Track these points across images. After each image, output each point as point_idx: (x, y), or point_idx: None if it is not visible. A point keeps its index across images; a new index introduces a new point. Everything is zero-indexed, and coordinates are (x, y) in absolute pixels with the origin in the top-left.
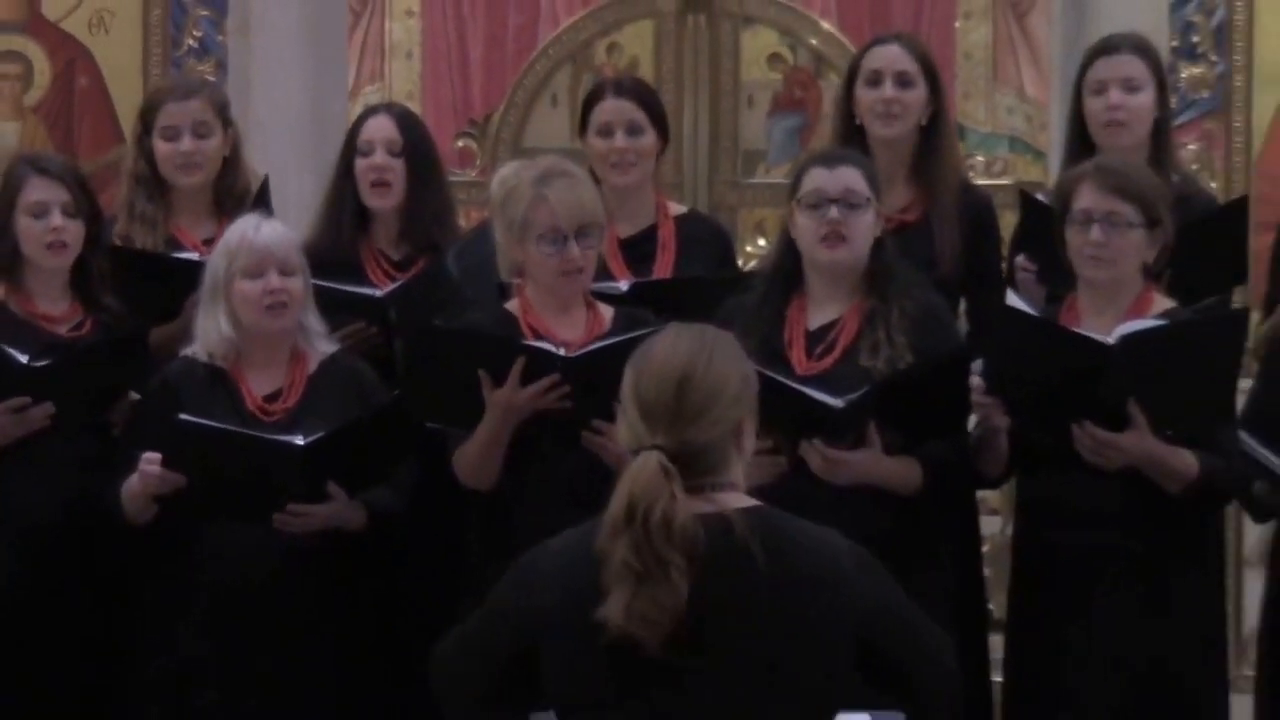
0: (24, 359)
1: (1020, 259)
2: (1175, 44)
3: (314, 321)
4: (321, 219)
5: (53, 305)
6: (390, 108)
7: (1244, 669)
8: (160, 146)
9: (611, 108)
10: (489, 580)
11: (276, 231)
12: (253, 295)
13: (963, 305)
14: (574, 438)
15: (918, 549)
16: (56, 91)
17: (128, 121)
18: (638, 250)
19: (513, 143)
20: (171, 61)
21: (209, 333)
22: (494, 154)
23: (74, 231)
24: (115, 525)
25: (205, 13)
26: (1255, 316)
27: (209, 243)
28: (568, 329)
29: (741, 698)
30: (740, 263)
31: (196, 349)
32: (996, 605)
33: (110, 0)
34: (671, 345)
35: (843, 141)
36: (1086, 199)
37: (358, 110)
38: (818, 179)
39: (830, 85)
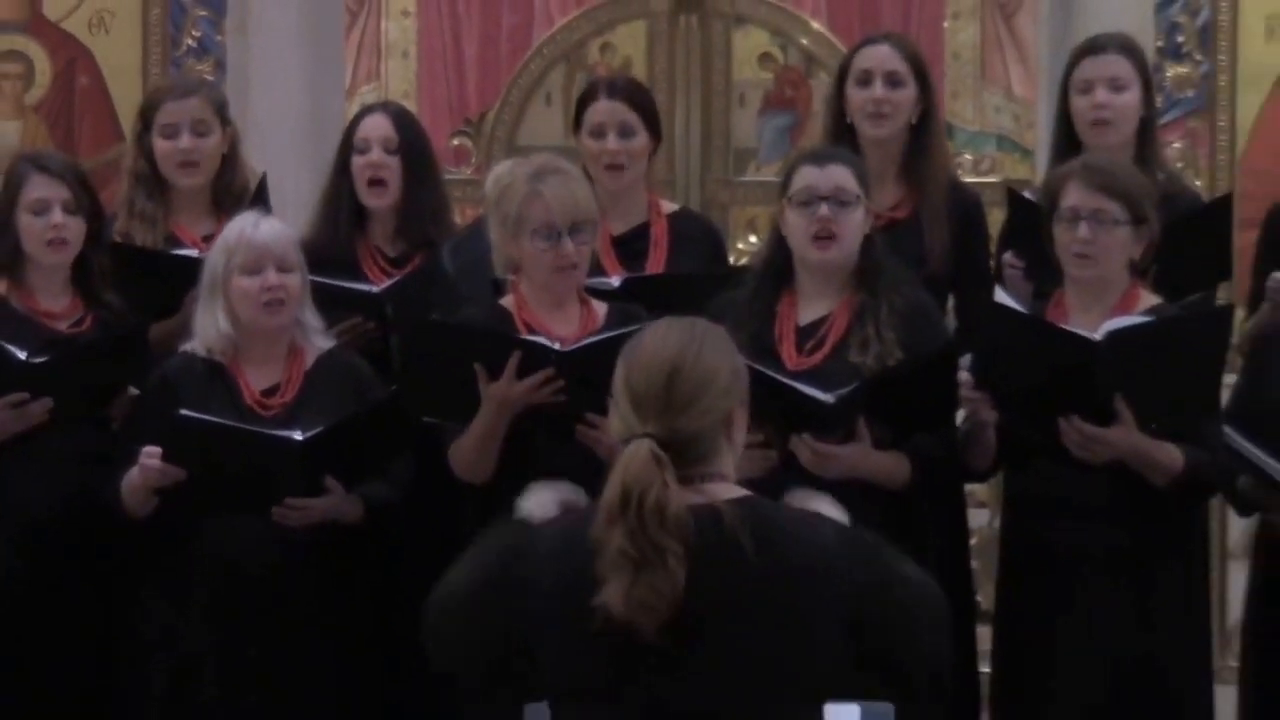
0: (22, 355)
1: (1008, 256)
2: (1160, 44)
3: (311, 317)
4: (319, 216)
5: (54, 301)
6: (386, 106)
7: (1228, 660)
8: (159, 144)
9: (604, 109)
10: None
11: (274, 229)
12: (251, 292)
13: (951, 302)
14: (568, 431)
15: (906, 541)
16: (57, 90)
17: (128, 120)
18: (630, 247)
19: (507, 141)
20: (171, 61)
21: (207, 328)
22: (489, 152)
23: (74, 229)
24: (115, 519)
25: (204, 13)
26: (1240, 313)
27: (208, 240)
28: (562, 325)
29: (733, 687)
30: (731, 260)
31: (195, 344)
32: (984, 597)
33: (110, 0)
34: (662, 337)
35: (834, 140)
36: (1074, 197)
37: (354, 109)
38: (808, 177)
39: (820, 84)
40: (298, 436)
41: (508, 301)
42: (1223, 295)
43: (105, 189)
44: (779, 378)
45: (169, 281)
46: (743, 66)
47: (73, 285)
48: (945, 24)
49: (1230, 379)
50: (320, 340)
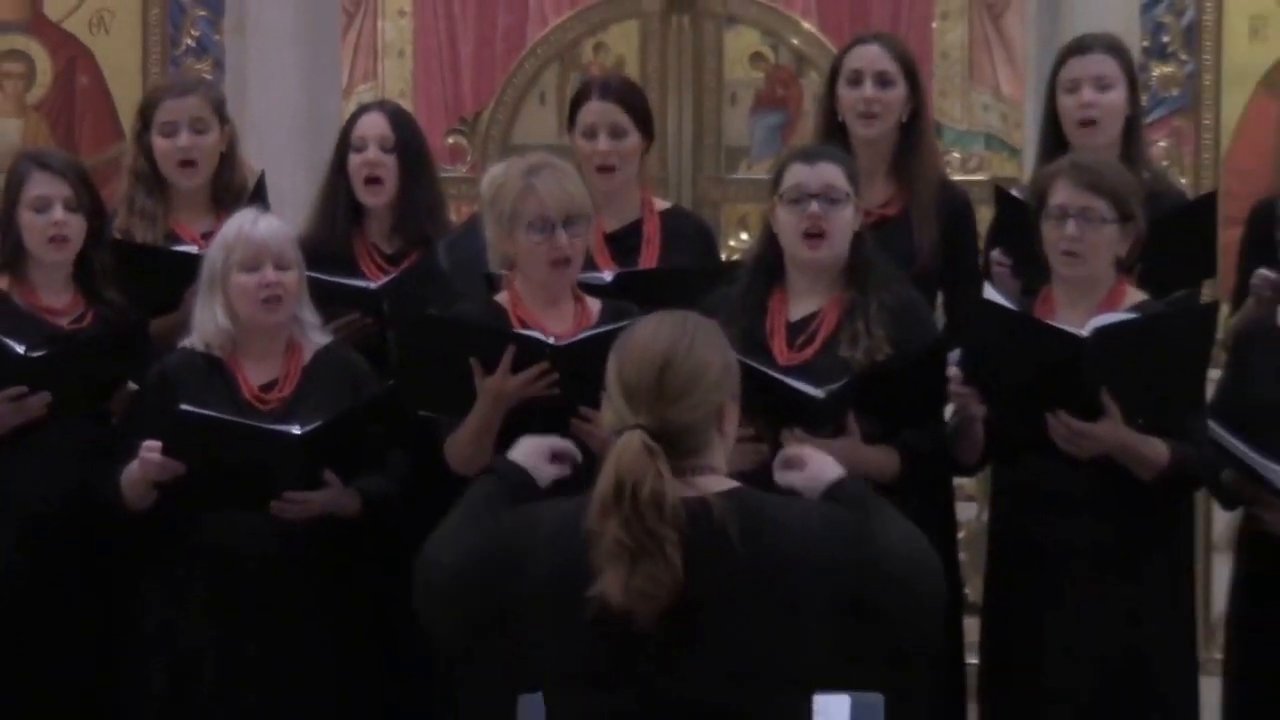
0: (21, 349)
1: (995, 253)
2: (1146, 44)
3: (309, 313)
4: (316, 213)
5: (55, 298)
6: (383, 105)
7: (1213, 652)
8: (159, 142)
9: (596, 110)
10: None
11: (273, 226)
12: (249, 288)
13: (940, 298)
14: (562, 425)
15: None
16: (58, 89)
17: (127, 119)
18: (623, 244)
19: (502, 139)
20: (170, 60)
21: (206, 324)
22: (484, 150)
23: (75, 226)
24: (114, 513)
25: (203, 13)
26: (1225, 309)
27: (207, 237)
28: (556, 321)
29: (726, 676)
30: (723, 257)
31: (194, 339)
32: (972, 589)
33: (110, 1)
34: (654, 330)
35: (825, 139)
36: (1062, 194)
37: (351, 108)
38: (798, 175)
39: (811, 83)
40: (296, 431)
41: (503, 298)
42: (1207, 292)
43: (106, 187)
44: (770, 373)
45: (169, 278)
46: (734, 66)
47: (74, 282)
48: (934, 24)
49: (1215, 374)
50: (318, 336)
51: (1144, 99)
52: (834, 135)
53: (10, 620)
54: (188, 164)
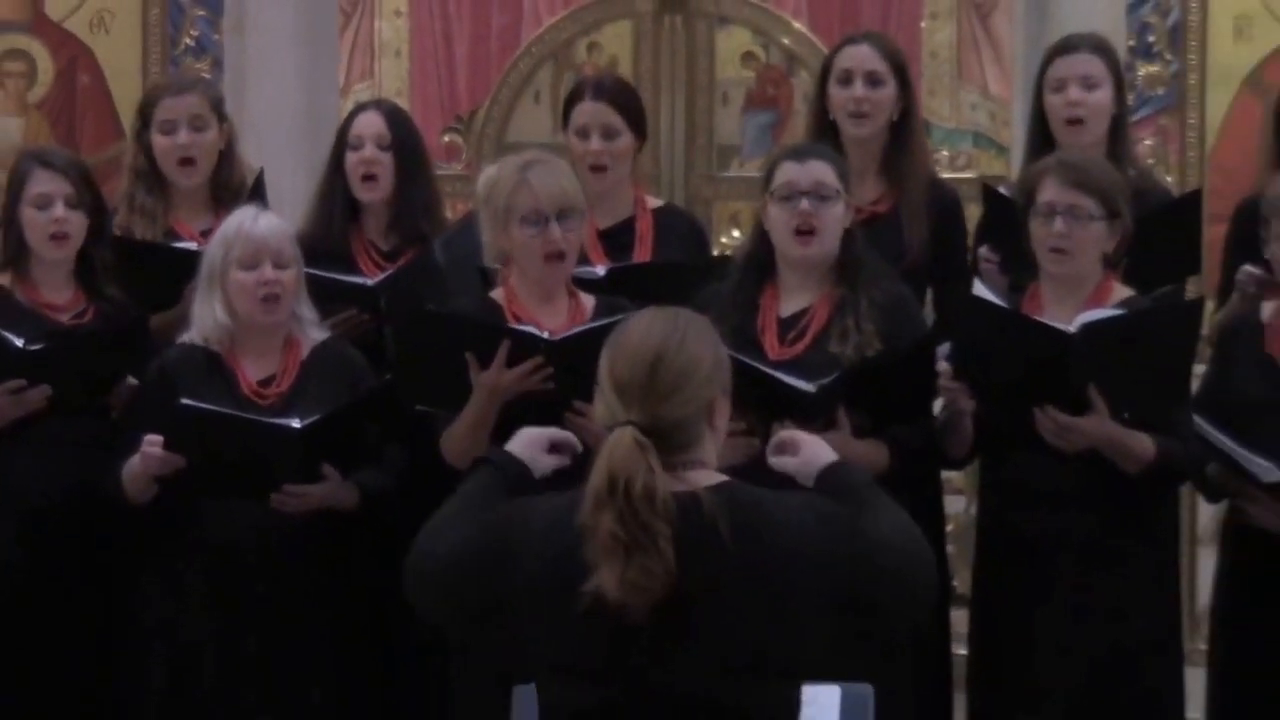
0: (20, 342)
1: (983, 250)
2: (1132, 44)
3: (307, 310)
4: (314, 211)
5: (57, 294)
6: (379, 104)
7: (1198, 643)
8: (158, 140)
9: (588, 110)
10: None
11: (272, 224)
12: (248, 286)
13: (930, 295)
14: (557, 419)
15: None
16: (59, 88)
17: (128, 117)
18: (616, 241)
19: (497, 138)
20: (169, 60)
21: (205, 319)
22: (479, 148)
23: (76, 223)
24: (114, 507)
25: (202, 13)
26: (1210, 305)
27: (206, 234)
28: (550, 317)
29: (717, 669)
30: (715, 254)
31: (193, 334)
32: (961, 582)
33: (110, 1)
34: (646, 326)
35: (816, 137)
36: (1049, 192)
37: (348, 107)
38: (789, 172)
39: (802, 83)
40: (296, 424)
41: (498, 294)
42: (1192, 288)
43: (106, 185)
44: (761, 367)
45: (169, 274)
46: (726, 65)
47: (75, 279)
48: (923, 24)
49: (1201, 369)
50: (315, 332)
51: (1130, 98)
52: (825, 134)
53: (10, 615)
54: (187, 161)
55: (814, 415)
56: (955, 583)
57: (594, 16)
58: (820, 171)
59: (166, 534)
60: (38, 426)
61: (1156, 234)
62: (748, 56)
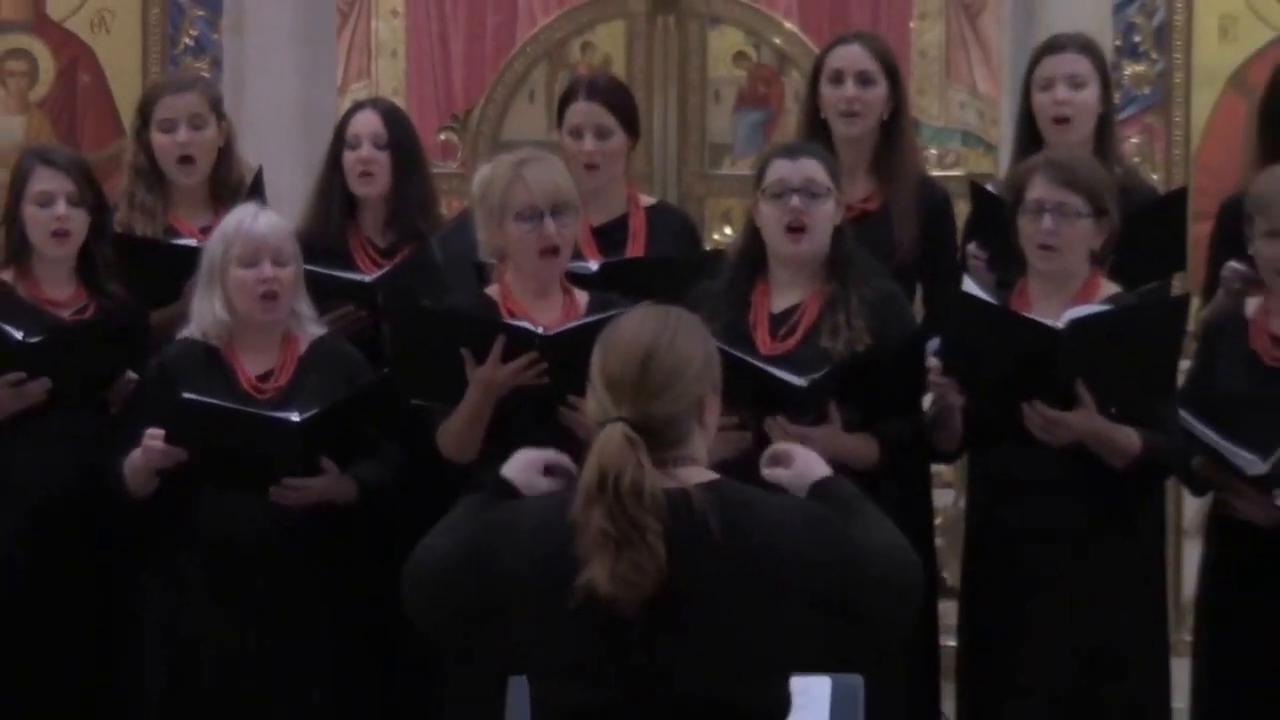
0: (19, 335)
1: (971, 247)
2: (1118, 43)
3: (305, 306)
4: (311, 208)
5: (58, 291)
6: (376, 103)
7: (1183, 634)
8: (158, 138)
9: (582, 110)
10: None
11: (272, 222)
12: (247, 283)
13: (919, 291)
14: (551, 413)
15: None
16: (60, 87)
17: (128, 116)
18: (610, 238)
19: (492, 136)
20: (169, 59)
21: (204, 315)
22: (474, 146)
23: (78, 220)
24: (116, 501)
25: (201, 13)
26: (1195, 302)
27: (206, 231)
28: (545, 313)
29: (705, 663)
30: (707, 248)
31: (192, 329)
32: (950, 574)
33: (111, 1)
34: (638, 324)
35: (808, 136)
36: (1038, 190)
37: (346, 105)
38: (780, 170)
39: (792, 82)
40: (295, 418)
41: (493, 290)
42: (1177, 285)
43: (106, 182)
44: (753, 362)
45: (170, 270)
46: (718, 64)
47: (77, 275)
48: (912, 24)
49: (1187, 365)
50: (313, 327)
51: (1116, 97)
52: (816, 133)
53: (10, 609)
54: (186, 159)
55: (805, 410)
56: (945, 574)
57: (588, 16)
58: (811, 169)
59: (167, 529)
60: (37, 421)
61: (1142, 231)
62: (739, 56)
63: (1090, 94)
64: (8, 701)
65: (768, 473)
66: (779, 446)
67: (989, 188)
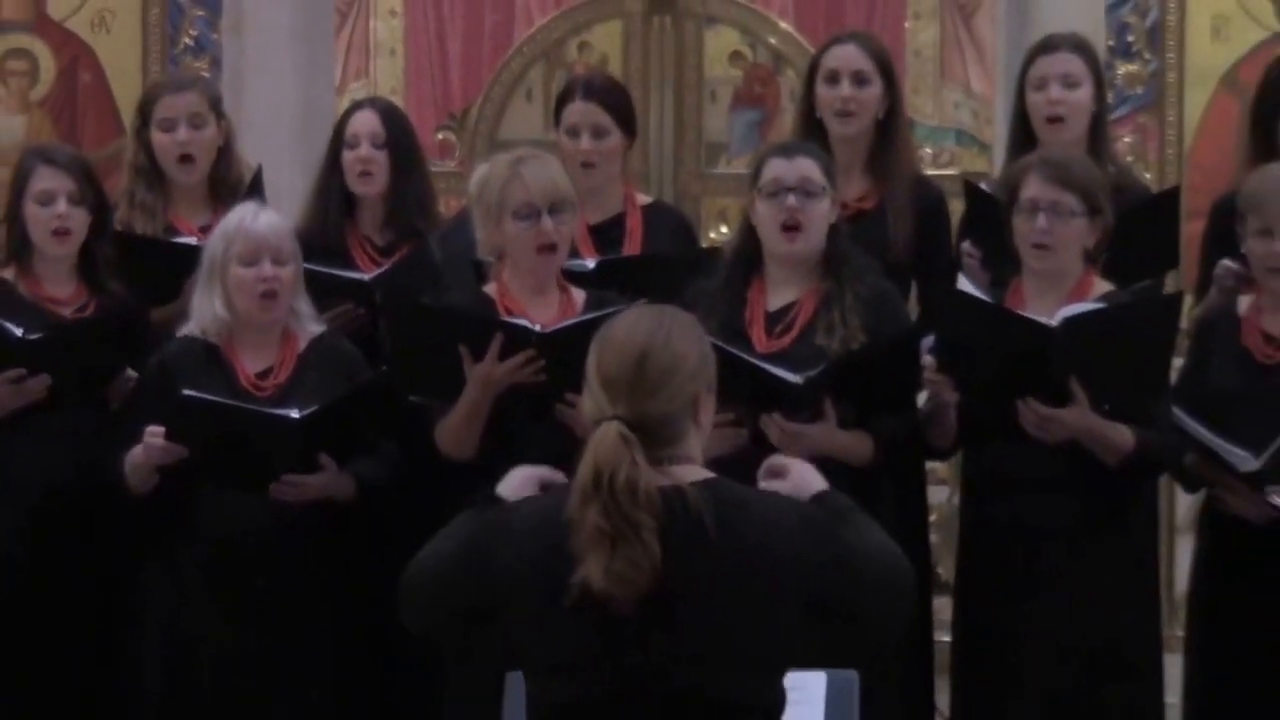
0: (19, 331)
1: (965, 245)
2: (1111, 43)
3: (304, 304)
4: (310, 207)
5: (59, 289)
6: (375, 102)
7: (1175, 629)
8: (158, 137)
9: (579, 110)
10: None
11: (272, 221)
12: (247, 281)
13: (915, 290)
14: (548, 410)
15: (864, 504)
16: (61, 87)
17: (128, 115)
18: (606, 236)
19: (489, 135)
20: (169, 59)
21: (204, 312)
22: (472, 145)
23: (79, 219)
24: (115, 499)
25: (201, 13)
26: (1188, 300)
27: (205, 230)
28: (542, 310)
29: (699, 659)
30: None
31: (192, 327)
32: (945, 570)
33: (111, 1)
34: (633, 323)
35: (804, 135)
36: (1033, 189)
37: (344, 105)
38: (776, 169)
39: (788, 81)
40: (295, 414)
41: (490, 288)
42: (1170, 283)
43: (107, 181)
44: (750, 359)
45: (170, 269)
46: (714, 64)
47: (78, 273)
48: (906, 24)
49: (1180, 362)
50: (312, 325)
51: (1109, 96)
52: (812, 132)
53: (10, 606)
54: (186, 158)
55: (801, 407)
56: (940, 570)
57: (585, 16)
58: (807, 168)
59: (166, 527)
60: (38, 418)
61: (1135, 230)
62: (735, 55)
63: (1084, 93)
64: (7, 700)
65: (765, 485)
66: (776, 459)
67: (983, 186)
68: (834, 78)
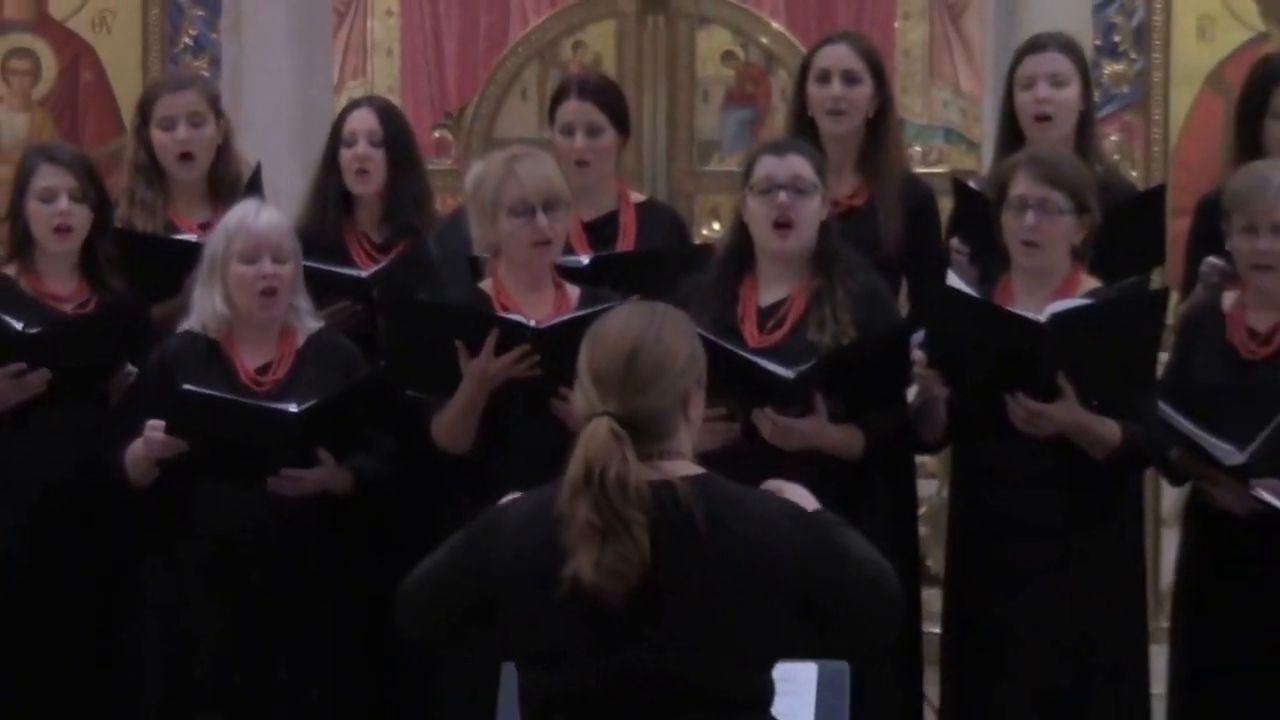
0: (19, 326)
1: (954, 242)
2: (1098, 43)
3: (303, 301)
4: (308, 205)
5: (61, 285)
6: (372, 101)
7: (1161, 621)
8: (158, 136)
9: (573, 109)
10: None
11: (273, 219)
12: (247, 279)
13: (905, 286)
14: (543, 404)
15: (858, 509)
16: (62, 85)
17: (128, 113)
18: (600, 233)
19: (485, 134)
20: (169, 58)
21: (204, 308)
22: (468, 143)
23: (80, 216)
24: (116, 491)
25: (200, 13)
26: (1174, 296)
27: (205, 227)
28: (537, 306)
29: (688, 652)
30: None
31: (192, 322)
32: (934, 561)
33: (112, 1)
34: (624, 320)
35: (796, 134)
36: (1021, 186)
37: (342, 104)
38: (768, 166)
39: (779, 80)
40: (293, 409)
41: (486, 285)
42: (1156, 280)
43: (107, 178)
44: (742, 354)
45: (170, 265)
46: (706, 64)
47: (79, 270)
48: (896, 24)
49: (1166, 358)
50: (310, 321)
51: (1096, 95)
52: (804, 130)
53: (10, 601)
54: (186, 156)
55: (792, 401)
56: (930, 562)
57: (579, 16)
58: (798, 166)
59: (166, 523)
60: (38, 414)
61: (1122, 227)
62: (727, 55)
63: (1071, 92)
64: (7, 695)
65: None
66: (771, 484)
67: (972, 184)
68: (825, 77)
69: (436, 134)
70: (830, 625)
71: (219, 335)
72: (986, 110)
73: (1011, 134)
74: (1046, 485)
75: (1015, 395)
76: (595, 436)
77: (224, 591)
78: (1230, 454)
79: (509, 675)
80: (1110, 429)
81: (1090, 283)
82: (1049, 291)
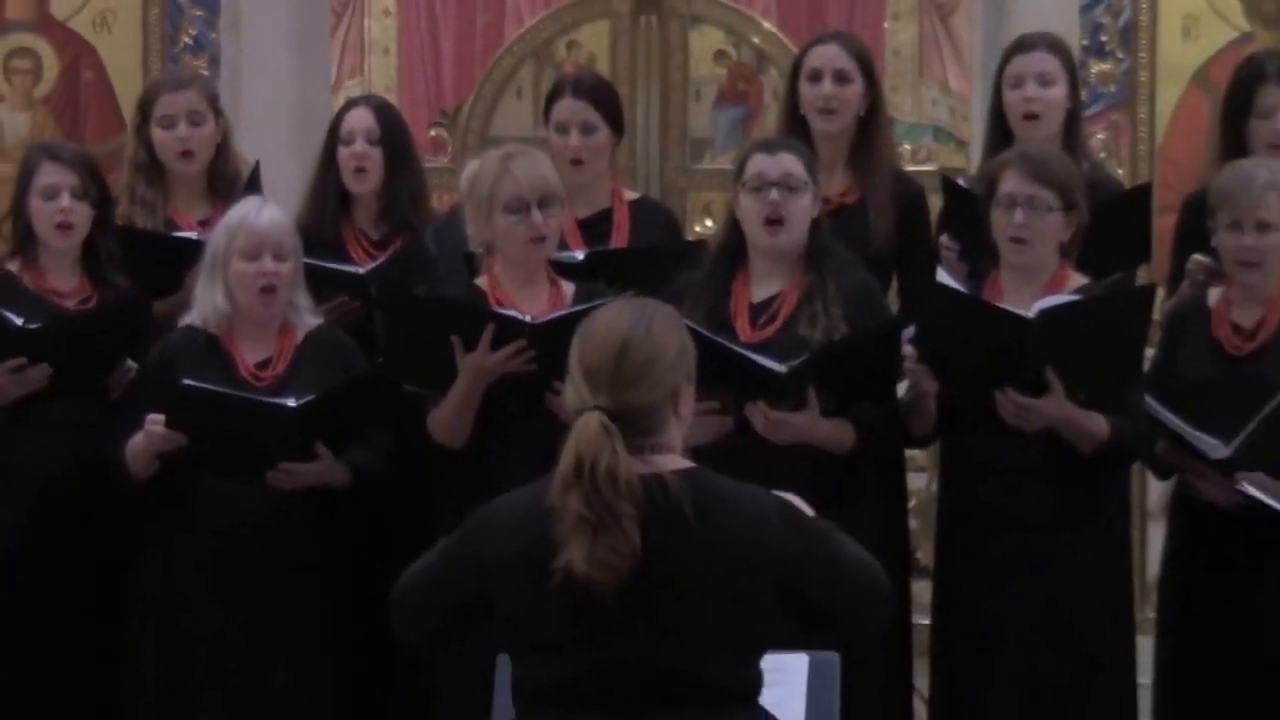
0: (19, 321)
1: (943, 239)
2: (1085, 42)
3: (302, 297)
4: (307, 203)
5: (63, 281)
6: (369, 100)
7: (1147, 612)
8: (158, 134)
9: (568, 108)
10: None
11: (275, 217)
12: (248, 276)
13: (895, 282)
14: (538, 399)
15: (848, 502)
16: (64, 84)
17: (129, 112)
18: (594, 230)
19: (481, 132)
20: (169, 58)
21: (205, 303)
22: (464, 142)
23: (82, 214)
24: (117, 485)
25: (199, 13)
26: (1161, 292)
27: (204, 224)
28: (532, 302)
29: (677, 644)
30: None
31: (193, 317)
32: (924, 554)
33: (113, 1)
34: (614, 315)
35: (787, 132)
36: (1010, 184)
37: (339, 103)
38: (760, 164)
39: (771, 79)
40: (292, 403)
41: (482, 281)
42: (1142, 276)
43: (108, 176)
44: (735, 348)
45: (171, 262)
46: (699, 63)
47: (81, 267)
48: (886, 24)
49: (1153, 353)
50: (309, 318)
51: (1083, 94)
52: (795, 129)
53: (10, 595)
54: (186, 154)
55: (784, 395)
56: (919, 555)
57: (573, 16)
58: (789, 164)
59: (165, 518)
60: (38, 409)
61: (1109, 224)
62: (720, 54)
63: (1059, 91)
64: (6, 692)
65: None
66: None
67: (960, 182)
68: (817, 76)
69: (433, 132)
70: (822, 624)
71: (219, 330)
72: (975, 109)
73: (1000, 132)
74: (1035, 479)
75: (1004, 390)
76: (586, 430)
77: (223, 587)
78: (1215, 448)
79: (503, 668)
80: (1098, 423)
81: (1078, 279)
82: (1037, 288)
